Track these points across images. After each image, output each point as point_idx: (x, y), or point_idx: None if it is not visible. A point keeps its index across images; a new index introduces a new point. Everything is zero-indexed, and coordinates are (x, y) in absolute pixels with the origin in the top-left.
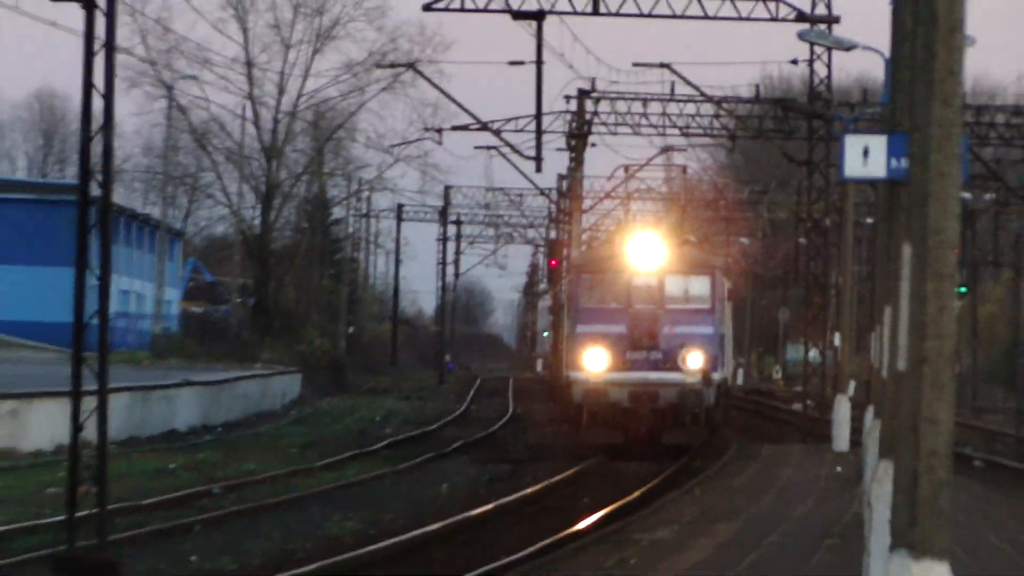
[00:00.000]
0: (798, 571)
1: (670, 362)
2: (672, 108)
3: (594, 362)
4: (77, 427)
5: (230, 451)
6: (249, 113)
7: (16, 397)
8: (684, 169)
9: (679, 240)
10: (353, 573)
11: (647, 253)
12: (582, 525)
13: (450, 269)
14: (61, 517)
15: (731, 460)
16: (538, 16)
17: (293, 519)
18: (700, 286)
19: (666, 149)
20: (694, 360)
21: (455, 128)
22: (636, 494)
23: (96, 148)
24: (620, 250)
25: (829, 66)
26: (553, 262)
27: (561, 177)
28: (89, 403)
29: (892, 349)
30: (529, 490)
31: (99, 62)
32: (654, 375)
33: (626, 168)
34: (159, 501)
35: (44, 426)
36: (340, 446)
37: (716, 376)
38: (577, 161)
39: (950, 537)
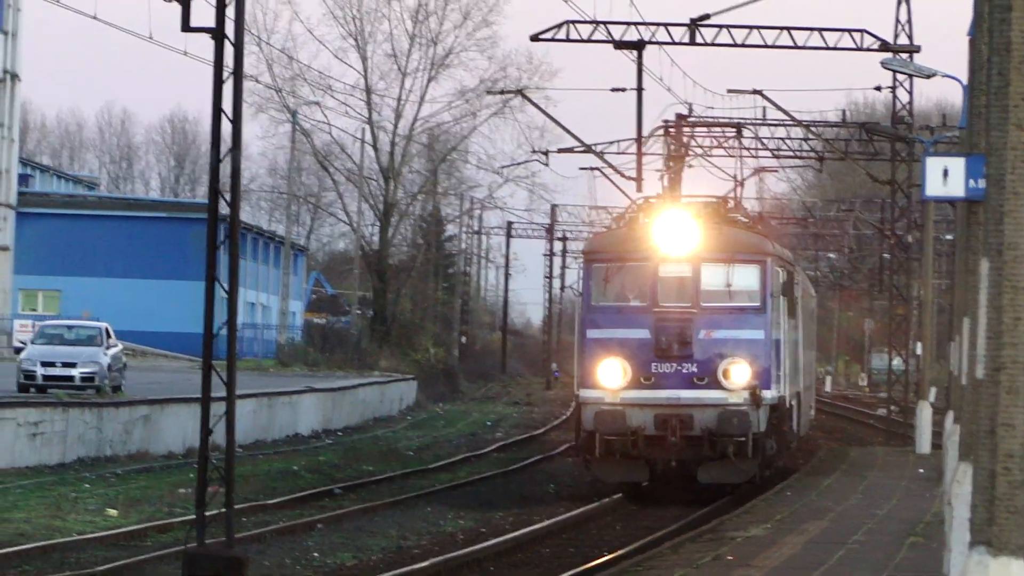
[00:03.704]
0: (883, 567)
1: (708, 377)
2: (764, 132)
3: (609, 377)
4: (206, 431)
5: (349, 453)
6: (368, 136)
7: (150, 403)
8: (739, 130)
9: (721, 218)
10: (465, 568)
11: (678, 235)
12: (679, 524)
13: (556, 282)
14: (191, 516)
15: (820, 462)
16: (639, 46)
17: (408, 517)
18: (747, 278)
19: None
20: (739, 374)
21: (561, 151)
22: (731, 495)
23: (225, 169)
24: (644, 233)
25: (910, 92)
26: None
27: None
28: (218, 408)
29: (971, 357)
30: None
31: (228, 89)
32: (687, 393)
33: (677, 120)
34: (283, 501)
35: (176, 430)
36: (453, 449)
37: (768, 394)
38: (675, 181)
39: None
